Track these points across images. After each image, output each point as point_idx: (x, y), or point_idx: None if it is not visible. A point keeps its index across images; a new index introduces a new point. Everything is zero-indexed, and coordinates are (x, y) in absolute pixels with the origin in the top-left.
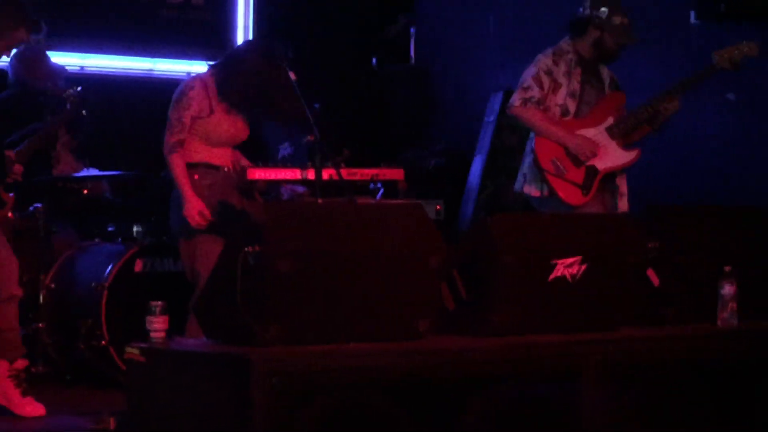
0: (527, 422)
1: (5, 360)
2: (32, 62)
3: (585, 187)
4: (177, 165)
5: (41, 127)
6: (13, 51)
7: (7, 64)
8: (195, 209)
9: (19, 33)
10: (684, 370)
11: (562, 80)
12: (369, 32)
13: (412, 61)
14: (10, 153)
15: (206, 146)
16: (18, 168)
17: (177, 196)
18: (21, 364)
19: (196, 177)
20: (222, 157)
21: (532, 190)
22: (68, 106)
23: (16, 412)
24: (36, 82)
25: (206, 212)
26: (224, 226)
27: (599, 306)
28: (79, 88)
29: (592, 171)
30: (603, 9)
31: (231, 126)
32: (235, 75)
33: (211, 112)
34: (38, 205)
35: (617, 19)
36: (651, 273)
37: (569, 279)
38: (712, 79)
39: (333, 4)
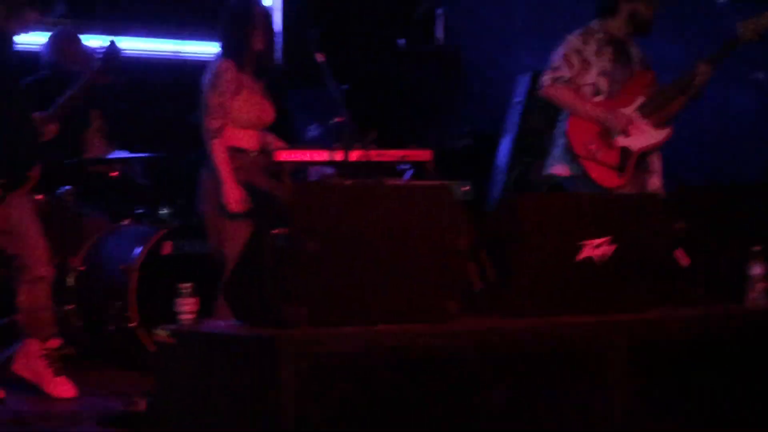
0: (554, 404)
1: (37, 339)
2: (64, 45)
3: (620, 169)
4: (218, 151)
5: (73, 87)
6: (48, 33)
7: (41, 46)
8: (235, 196)
9: (30, 13)
10: (712, 350)
11: (592, 59)
12: (397, 13)
13: (440, 41)
14: (39, 114)
15: (233, 129)
16: (52, 128)
17: (206, 178)
18: (53, 343)
19: None
20: (249, 141)
21: (564, 172)
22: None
23: (47, 391)
24: (67, 64)
25: (245, 200)
26: (251, 208)
27: (627, 287)
28: (108, 43)
29: (626, 152)
30: None
31: (256, 105)
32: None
33: (240, 90)
34: (67, 187)
35: None
36: (679, 253)
37: (596, 260)
38: (741, 54)
39: None
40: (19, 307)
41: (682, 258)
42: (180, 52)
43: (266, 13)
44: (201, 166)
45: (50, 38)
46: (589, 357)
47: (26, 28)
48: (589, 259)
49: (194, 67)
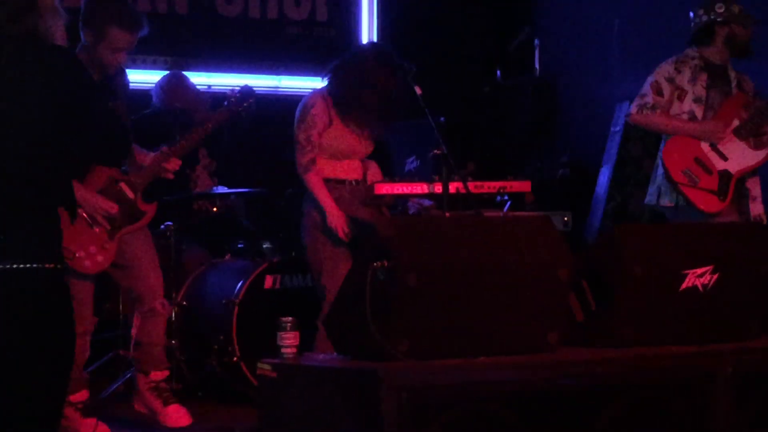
0: None
1: (146, 373)
2: (174, 89)
3: (721, 193)
4: (314, 182)
5: (200, 122)
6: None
7: (152, 86)
8: (339, 220)
9: (117, 31)
10: None
11: (687, 87)
12: (493, 45)
13: (537, 72)
14: (165, 148)
15: (329, 160)
16: (173, 164)
17: (308, 211)
18: (156, 375)
19: None
20: (347, 171)
21: (665, 202)
22: (225, 103)
23: (162, 422)
24: (176, 105)
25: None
26: (352, 240)
27: (731, 316)
28: (238, 89)
29: (725, 175)
30: (719, 5)
31: (350, 137)
32: (349, 81)
33: (330, 123)
34: (169, 223)
35: (736, 8)
36: None
37: (701, 289)
38: None
39: (456, 18)
40: (133, 340)
41: None
42: (278, 88)
43: (386, 75)
44: (301, 199)
45: (159, 82)
46: (693, 387)
47: (118, 50)
48: (692, 288)
49: (292, 103)
